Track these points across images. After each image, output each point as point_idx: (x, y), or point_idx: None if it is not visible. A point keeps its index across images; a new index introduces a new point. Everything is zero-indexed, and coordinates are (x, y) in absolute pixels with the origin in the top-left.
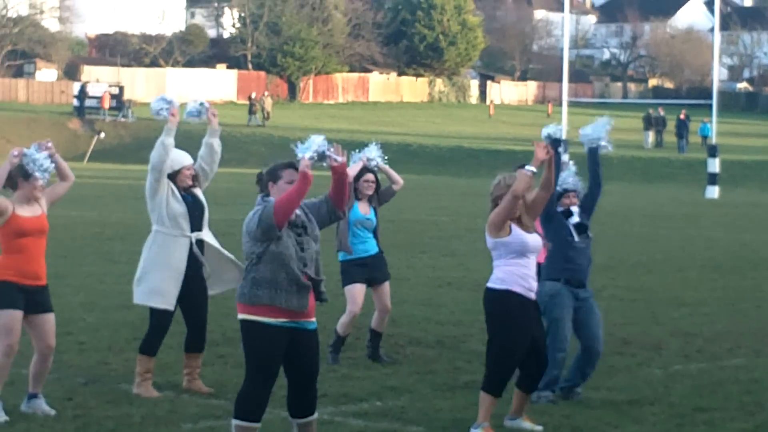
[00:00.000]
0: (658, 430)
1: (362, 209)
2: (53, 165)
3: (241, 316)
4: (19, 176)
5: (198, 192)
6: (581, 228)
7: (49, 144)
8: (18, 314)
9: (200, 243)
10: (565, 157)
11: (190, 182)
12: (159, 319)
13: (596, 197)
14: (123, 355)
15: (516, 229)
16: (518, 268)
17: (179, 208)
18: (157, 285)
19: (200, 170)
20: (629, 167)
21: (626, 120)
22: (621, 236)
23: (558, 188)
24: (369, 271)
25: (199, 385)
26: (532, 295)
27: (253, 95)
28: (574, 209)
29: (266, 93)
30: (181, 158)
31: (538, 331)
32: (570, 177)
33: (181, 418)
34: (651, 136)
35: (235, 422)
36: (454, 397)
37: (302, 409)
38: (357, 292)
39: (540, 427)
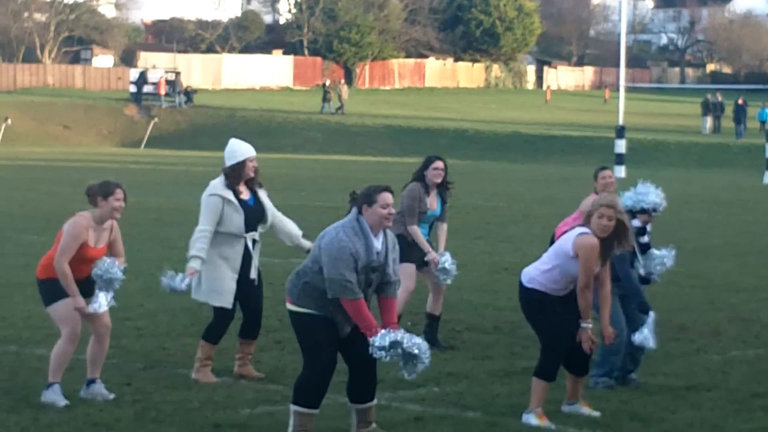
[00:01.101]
0: (716, 416)
1: (430, 203)
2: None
3: (289, 307)
4: (99, 195)
5: (263, 194)
6: (645, 248)
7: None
8: (72, 301)
9: (253, 242)
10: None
11: (252, 174)
12: (221, 313)
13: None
14: (181, 340)
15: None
16: (553, 278)
17: (236, 217)
18: (214, 285)
19: (271, 227)
20: (687, 153)
21: (684, 105)
22: (678, 222)
23: (639, 205)
24: (419, 253)
25: (250, 371)
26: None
27: (327, 83)
28: (649, 228)
29: (342, 81)
30: (244, 149)
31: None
32: (654, 196)
33: (239, 403)
34: (709, 121)
35: (293, 408)
36: (512, 382)
37: (362, 395)
38: (411, 269)
39: (598, 413)
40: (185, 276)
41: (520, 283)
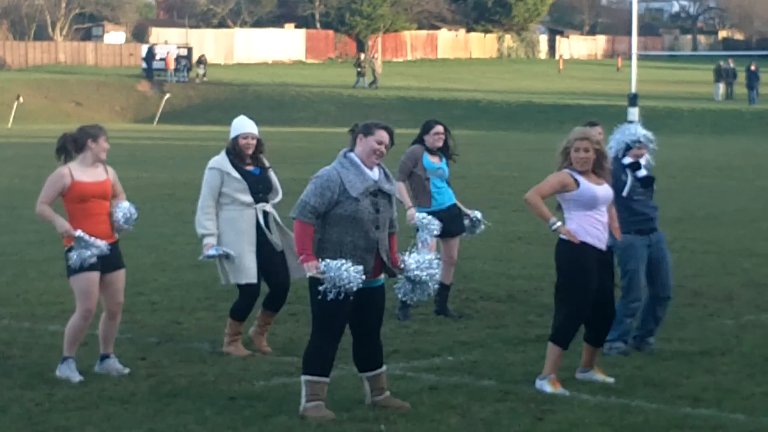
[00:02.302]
0: (730, 380)
1: (432, 159)
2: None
3: (309, 273)
4: (88, 137)
5: (271, 171)
6: (648, 181)
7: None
8: (95, 276)
9: (265, 215)
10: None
11: (249, 151)
12: (246, 290)
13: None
14: (195, 314)
15: (584, 182)
16: (590, 220)
17: (237, 185)
18: (236, 263)
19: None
20: (700, 119)
21: (696, 72)
22: (692, 189)
23: (627, 140)
24: (443, 225)
25: (261, 341)
26: (603, 246)
27: (362, 57)
28: (643, 161)
29: (376, 55)
30: (237, 125)
31: (607, 284)
32: (641, 130)
33: (254, 375)
34: (721, 88)
35: (304, 378)
36: (526, 350)
37: (368, 361)
38: (430, 244)
39: (612, 379)
40: (216, 248)
41: (559, 239)
